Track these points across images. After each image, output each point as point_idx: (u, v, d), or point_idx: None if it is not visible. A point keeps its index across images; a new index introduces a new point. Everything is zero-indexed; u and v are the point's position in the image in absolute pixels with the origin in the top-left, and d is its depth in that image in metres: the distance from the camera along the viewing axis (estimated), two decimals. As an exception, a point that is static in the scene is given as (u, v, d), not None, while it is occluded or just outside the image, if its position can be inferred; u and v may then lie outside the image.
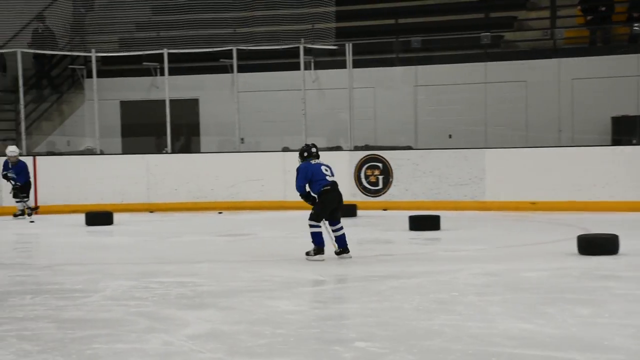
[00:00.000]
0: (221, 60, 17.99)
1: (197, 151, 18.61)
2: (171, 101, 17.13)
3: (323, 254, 9.57)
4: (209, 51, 17.61)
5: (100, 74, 17.79)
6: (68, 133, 19.52)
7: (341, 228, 9.70)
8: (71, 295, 7.79)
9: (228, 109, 17.68)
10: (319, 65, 18.08)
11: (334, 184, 9.65)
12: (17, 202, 15.18)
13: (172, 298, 7.56)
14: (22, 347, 5.79)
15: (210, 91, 18.90)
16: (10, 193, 15.30)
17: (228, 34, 19.00)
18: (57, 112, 19.86)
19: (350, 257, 9.64)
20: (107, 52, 18.78)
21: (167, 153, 17.15)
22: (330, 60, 17.95)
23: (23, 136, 17.02)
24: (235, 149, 17.39)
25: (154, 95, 18.58)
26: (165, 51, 17.16)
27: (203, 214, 15.79)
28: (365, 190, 16.18)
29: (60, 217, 15.35)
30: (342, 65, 16.96)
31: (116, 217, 14.42)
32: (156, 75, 18.58)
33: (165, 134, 17.10)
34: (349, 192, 16.14)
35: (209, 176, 16.61)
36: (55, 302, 7.39)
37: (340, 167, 16.23)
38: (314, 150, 9.71)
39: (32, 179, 15.58)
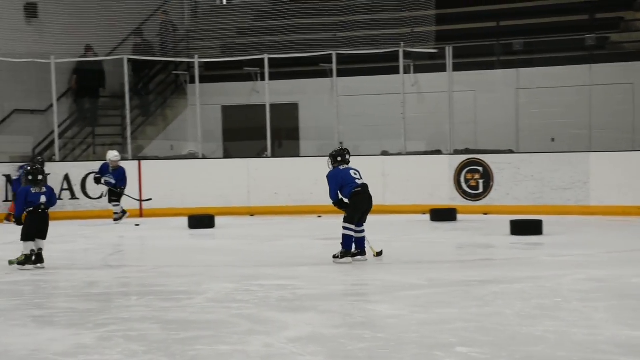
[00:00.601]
0: (321, 64, 18.06)
1: (297, 155, 18.72)
2: (271, 106, 17.29)
3: (351, 257, 9.68)
4: (309, 56, 17.71)
5: (203, 80, 18.08)
6: (171, 138, 19.90)
7: (363, 231, 9.87)
8: (175, 297, 7.93)
9: (327, 113, 17.75)
10: (419, 69, 17.98)
11: (365, 187, 9.80)
12: (114, 205, 15.41)
13: (273, 301, 7.63)
14: (129, 347, 5.93)
15: (310, 95, 19.01)
16: (104, 196, 15.65)
17: (328, 38, 19.07)
18: (161, 117, 20.28)
19: (366, 260, 9.81)
20: (210, 57, 19.08)
21: (267, 157, 17.31)
22: (430, 64, 17.83)
23: (129, 141, 17.43)
24: (334, 152, 17.40)
25: (254, 100, 18.77)
26: (266, 56, 17.33)
27: (302, 217, 15.88)
28: (465, 195, 16.02)
29: (164, 220, 15.65)
30: (442, 68, 16.83)
31: (218, 220, 14.62)
32: (257, 80, 18.79)
33: (265, 138, 17.27)
34: (449, 197, 16.01)
35: (309, 180, 16.66)
36: (160, 304, 7.54)
37: (440, 171, 16.15)
38: (347, 157, 9.86)
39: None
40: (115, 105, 19.63)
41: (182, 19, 21.41)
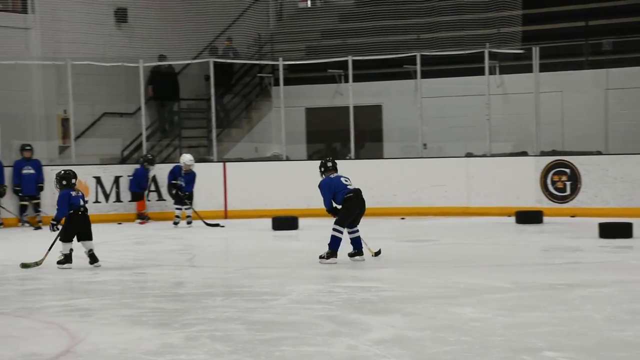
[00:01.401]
0: (405, 66, 18.00)
1: (380, 157, 18.69)
2: (355, 107, 17.29)
3: (336, 257, 10.00)
4: (393, 57, 17.66)
5: (287, 82, 18.18)
6: (256, 140, 20.08)
7: (357, 231, 10.22)
8: (259, 297, 8.00)
9: (411, 114, 17.67)
10: (504, 70, 17.76)
11: (357, 191, 10.22)
12: (177, 208, 15.37)
13: (357, 303, 7.63)
14: (215, 348, 6.00)
15: (393, 97, 18.95)
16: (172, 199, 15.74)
17: (412, 39, 18.99)
18: (245, 119, 20.48)
19: (363, 260, 10.12)
20: (294, 60, 19.19)
21: (350, 159, 17.32)
22: (516, 65, 17.59)
23: (214, 143, 17.63)
24: (418, 154, 17.36)
25: (338, 102, 18.80)
26: (350, 58, 17.34)
27: (386, 219, 15.83)
28: (551, 197, 15.76)
29: (248, 221, 15.79)
30: (528, 69, 16.60)
31: (301, 221, 14.69)
32: (341, 82, 18.81)
33: (348, 140, 17.28)
34: (535, 199, 15.78)
35: (392, 182, 16.65)
36: (245, 304, 7.61)
37: (526, 173, 15.92)
38: (329, 164, 10.33)
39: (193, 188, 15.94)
40: (201, 108, 19.90)
41: (267, 22, 21.60)
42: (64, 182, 10.24)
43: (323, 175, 10.41)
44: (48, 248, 10.21)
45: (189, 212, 15.36)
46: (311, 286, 8.55)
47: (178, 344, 6.15)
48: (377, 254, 10.46)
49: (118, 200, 16.59)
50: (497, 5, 18.32)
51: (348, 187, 10.23)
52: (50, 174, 16.06)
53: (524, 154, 16.86)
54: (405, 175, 16.69)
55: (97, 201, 16.44)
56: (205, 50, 19.69)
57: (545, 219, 14.69)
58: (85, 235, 10.15)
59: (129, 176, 16.56)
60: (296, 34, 21.09)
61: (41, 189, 15.81)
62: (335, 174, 10.35)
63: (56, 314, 7.37)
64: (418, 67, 17.23)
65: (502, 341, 6.03)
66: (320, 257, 10.13)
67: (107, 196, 16.52)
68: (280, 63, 17.95)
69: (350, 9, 21.45)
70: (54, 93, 18.26)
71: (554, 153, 16.39)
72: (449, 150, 17.93)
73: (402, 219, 15.94)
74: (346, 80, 17.85)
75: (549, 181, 15.80)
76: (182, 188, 15.29)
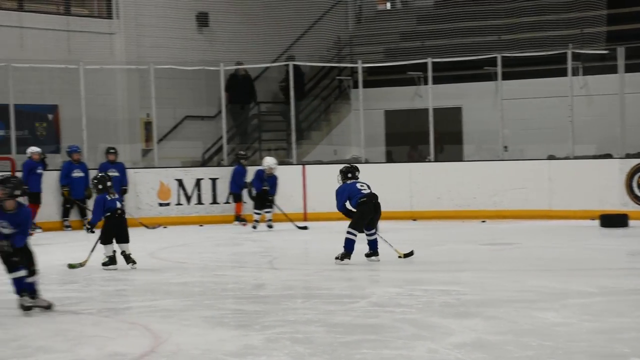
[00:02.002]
0: (485, 68, 17.82)
1: (460, 159, 18.54)
2: (434, 109, 17.18)
3: (349, 259, 10.27)
4: (473, 59, 17.50)
5: (366, 84, 18.17)
6: (335, 142, 20.11)
7: (374, 233, 10.54)
8: (339, 300, 8.00)
9: (491, 117, 17.49)
10: (588, 71, 17.44)
11: (371, 196, 10.54)
12: (256, 212, 15.21)
13: (437, 306, 7.58)
14: (295, 350, 6.02)
15: (473, 99, 18.78)
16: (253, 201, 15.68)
17: (492, 41, 18.80)
18: (325, 122, 20.53)
19: (379, 261, 10.42)
20: (373, 62, 19.17)
21: (429, 161, 17.22)
22: (600, 65, 17.26)
23: (293, 146, 17.72)
24: (498, 157, 17.17)
25: (417, 104, 18.72)
26: (429, 60, 17.24)
27: (465, 222, 15.70)
28: (637, 200, 15.41)
29: (328, 224, 15.76)
30: (612, 70, 16.28)
31: (380, 224, 14.54)
32: (420, 84, 18.72)
33: (428, 142, 17.19)
34: (620, 202, 15.45)
35: (472, 184, 16.49)
36: (325, 307, 7.62)
37: (610, 176, 15.60)
38: (349, 175, 10.71)
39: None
40: (280, 111, 20.02)
41: (346, 24, 21.64)
42: (100, 187, 10.47)
43: (341, 182, 10.76)
44: (90, 250, 10.41)
45: (269, 215, 15.35)
46: (391, 289, 8.52)
47: (258, 345, 6.19)
48: (408, 255, 10.65)
49: (199, 202, 16.78)
50: (581, 5, 18.01)
51: (362, 191, 10.55)
52: (133, 176, 16.37)
53: (608, 156, 16.53)
54: (485, 178, 16.52)
55: (178, 203, 16.66)
56: (284, 53, 19.81)
57: (631, 222, 14.38)
58: (122, 237, 10.39)
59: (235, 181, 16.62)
60: (375, 37, 21.08)
61: (125, 191, 16.08)
62: (352, 181, 10.70)
63: (139, 315, 7.49)
64: (499, 69, 17.04)
65: (587, 346, 5.92)
66: (336, 258, 10.38)
67: (188, 198, 16.73)
68: (359, 66, 17.94)
69: (430, 11, 21.34)
70: (137, 97, 18.60)
71: (639, 155, 16.03)
72: (530, 152, 17.68)
73: (482, 222, 15.78)
74: (425, 83, 17.76)
75: (634, 184, 15.45)
76: (267, 192, 15.19)
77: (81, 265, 10.45)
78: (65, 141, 17.33)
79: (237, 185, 16.48)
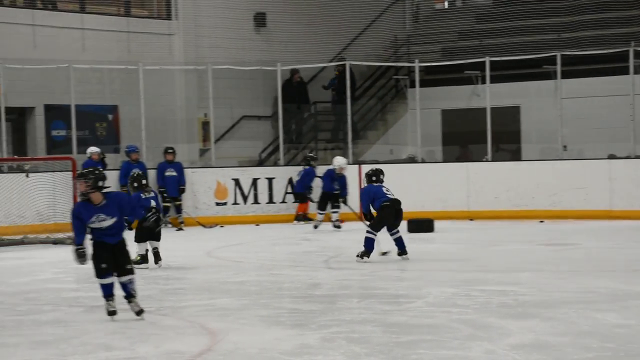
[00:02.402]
0: (544, 66, 17.62)
1: (518, 159, 18.36)
2: (492, 109, 17.05)
3: (369, 257, 10.63)
4: (532, 58, 17.32)
5: (423, 84, 18.09)
6: (391, 142, 20.06)
7: (397, 232, 10.87)
8: (395, 300, 7.99)
9: (550, 116, 17.29)
10: (651, 69, 17.15)
11: (394, 202, 10.83)
12: (320, 213, 15.11)
13: (494, 306, 7.52)
14: (351, 349, 6.02)
15: (532, 98, 18.58)
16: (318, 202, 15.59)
17: (552, 39, 18.59)
18: (381, 121, 20.50)
19: (408, 259, 10.70)
20: (430, 61, 19.08)
21: (487, 161, 17.08)
22: (662, 63, 16.97)
23: (349, 145, 17.71)
24: (557, 156, 16.96)
25: (475, 104, 18.58)
26: (487, 59, 17.10)
27: (523, 222, 15.55)
28: (700, 200, 15.10)
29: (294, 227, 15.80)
30: (676, 67, 16.00)
31: (437, 224, 14.59)
32: (477, 83, 18.58)
33: (485, 141, 17.05)
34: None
35: (530, 184, 16.32)
36: (381, 307, 7.61)
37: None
38: (374, 178, 11.04)
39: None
40: (336, 111, 20.03)
41: (403, 24, 21.57)
42: (136, 185, 10.53)
43: (366, 183, 11.15)
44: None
45: (336, 215, 15.13)
46: (447, 289, 8.47)
47: (315, 344, 6.20)
48: (385, 253, 10.90)
49: (256, 202, 16.86)
50: (643, 2, 17.74)
51: (387, 195, 10.87)
52: (191, 176, 16.52)
53: (671, 155, 16.23)
54: (544, 177, 16.33)
55: (235, 203, 16.75)
56: (340, 53, 19.82)
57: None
58: (155, 235, 10.52)
59: (297, 178, 16.68)
60: (432, 35, 20.98)
61: (183, 191, 16.23)
62: (378, 184, 11.01)
63: (197, 313, 7.56)
64: (558, 67, 16.84)
65: (648, 349, 5.83)
66: (357, 256, 10.73)
67: (245, 198, 16.81)
68: (416, 65, 17.87)
69: (488, 9, 21.17)
70: (195, 97, 18.77)
71: (702, 155, 15.72)
72: (590, 152, 17.43)
73: (541, 222, 15.61)
74: (483, 82, 17.62)
75: (697, 184, 15.15)
76: (336, 191, 15.02)
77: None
78: (125, 141, 17.55)
79: (304, 186, 16.44)
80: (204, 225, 15.90)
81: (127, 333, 6.74)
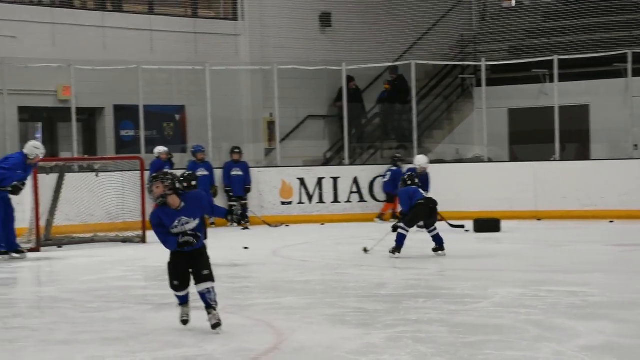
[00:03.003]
0: (614, 64, 17.33)
1: (587, 158, 18.09)
2: (560, 108, 16.83)
3: (400, 253, 11.15)
4: (602, 56, 17.05)
5: (489, 83, 17.93)
6: (457, 141, 19.93)
7: (435, 229, 11.34)
8: (462, 300, 7.93)
9: (620, 114, 17.01)
10: None
11: (428, 200, 11.42)
12: None
13: (563, 307, 7.42)
14: (417, 349, 5.99)
15: (601, 97, 18.29)
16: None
17: (622, 37, 18.28)
18: (447, 120, 20.37)
19: (445, 255, 11.18)
20: (497, 60, 18.90)
21: (555, 160, 16.86)
22: None
23: (415, 145, 17.63)
24: (627, 155, 16.68)
25: (542, 102, 18.35)
26: (555, 57, 16.89)
27: (592, 222, 15.31)
28: None
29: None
30: None
31: (503, 224, 14.45)
32: (545, 82, 18.35)
33: (553, 141, 16.83)
34: None
35: (599, 184, 16.07)
36: (447, 307, 7.56)
37: None
38: (409, 182, 11.49)
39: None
40: (402, 110, 19.97)
41: (469, 22, 21.42)
42: (185, 185, 10.49)
43: (404, 185, 11.58)
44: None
45: None
46: (515, 289, 8.38)
47: (380, 344, 6.19)
48: (366, 250, 11.63)
49: (321, 201, 16.88)
50: None
51: (422, 194, 11.44)
52: (256, 175, 16.62)
53: None
54: (614, 177, 16.07)
55: (300, 202, 16.80)
56: (406, 52, 19.75)
57: None
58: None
59: (381, 177, 16.66)
60: (499, 34, 20.80)
61: (248, 190, 16.35)
62: (414, 187, 11.51)
63: (263, 312, 7.60)
64: (629, 65, 16.56)
65: None
66: (390, 252, 11.23)
67: (310, 197, 16.85)
68: (483, 64, 17.72)
69: (557, 7, 20.90)
70: (261, 97, 18.88)
71: None
72: (661, 151, 17.12)
73: (611, 222, 15.36)
74: (551, 80, 17.41)
75: None
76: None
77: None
78: (192, 141, 17.74)
79: (393, 187, 16.19)
80: (269, 225, 15.98)
81: (194, 331, 6.81)
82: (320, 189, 16.92)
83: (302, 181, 16.91)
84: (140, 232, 13.49)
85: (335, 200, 16.93)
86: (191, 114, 18.41)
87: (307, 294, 8.60)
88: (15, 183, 11.66)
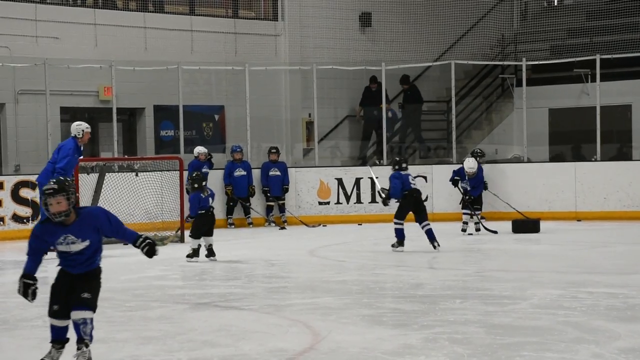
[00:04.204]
0: (658, 64, 17.14)
1: (629, 159, 17.88)
2: (602, 108, 16.64)
3: (403, 246, 11.75)
4: (645, 55, 16.87)
5: (530, 82, 17.79)
6: (496, 141, 19.81)
7: (427, 224, 11.69)
8: (499, 301, 7.88)
9: (664, 114, 16.80)
10: None
11: (413, 191, 11.78)
12: (464, 213, 14.14)
13: (602, 309, 7.35)
14: (454, 350, 5.97)
15: (644, 97, 18.10)
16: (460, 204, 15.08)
17: (667, 36, 18.08)
18: (486, 120, 20.26)
19: (438, 249, 11.57)
20: (538, 60, 18.75)
21: (596, 161, 16.69)
22: None
23: (454, 145, 17.53)
24: (671, 156, 16.47)
25: (583, 102, 18.18)
26: (597, 57, 16.71)
27: (634, 223, 15.13)
28: None
29: (488, 224, 15.56)
30: None
31: (543, 225, 14.33)
32: (587, 81, 18.17)
33: (594, 141, 16.66)
34: None
35: (642, 185, 15.89)
36: (484, 308, 7.52)
37: None
38: (404, 165, 11.89)
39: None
40: (441, 109, 19.90)
41: (510, 22, 21.28)
42: (196, 186, 11.13)
43: (394, 170, 11.90)
44: None
45: (475, 218, 14.22)
46: (553, 291, 8.32)
47: (417, 345, 6.17)
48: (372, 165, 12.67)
49: (358, 201, 16.84)
50: None
51: (411, 185, 11.80)
52: (294, 175, 16.64)
53: None
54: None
55: (338, 202, 16.77)
56: (446, 52, 19.66)
57: None
58: (209, 232, 11.10)
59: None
60: (541, 33, 20.63)
61: (286, 190, 16.37)
62: (405, 172, 11.84)
63: (300, 312, 7.61)
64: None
65: None
66: (392, 246, 11.81)
67: (347, 197, 16.82)
68: (524, 63, 17.58)
69: (599, 6, 20.67)
70: (300, 97, 18.91)
71: None
72: None
73: (653, 223, 15.18)
74: (593, 80, 17.22)
75: None
76: (467, 192, 14.18)
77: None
78: (230, 141, 17.81)
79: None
80: (307, 225, 16.00)
81: (231, 330, 6.84)
82: (358, 189, 16.89)
83: (339, 181, 16.88)
84: (178, 232, 13.57)
85: (373, 201, 16.89)
86: (230, 114, 18.48)
87: (344, 294, 8.60)
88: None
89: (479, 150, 15.51)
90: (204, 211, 11.08)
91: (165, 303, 8.26)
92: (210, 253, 11.13)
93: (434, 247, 11.66)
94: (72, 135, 12.04)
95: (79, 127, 12.02)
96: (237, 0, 19.23)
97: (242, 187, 16.11)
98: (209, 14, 18.87)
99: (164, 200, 14.19)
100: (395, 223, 11.82)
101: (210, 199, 11.22)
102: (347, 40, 19.59)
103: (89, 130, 12.19)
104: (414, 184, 11.92)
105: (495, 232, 13.96)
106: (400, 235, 11.79)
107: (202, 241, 11.12)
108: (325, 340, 6.41)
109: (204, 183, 11.20)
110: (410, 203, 11.80)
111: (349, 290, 8.91)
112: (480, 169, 14.41)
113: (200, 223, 11.07)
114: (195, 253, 11.09)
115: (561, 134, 19.17)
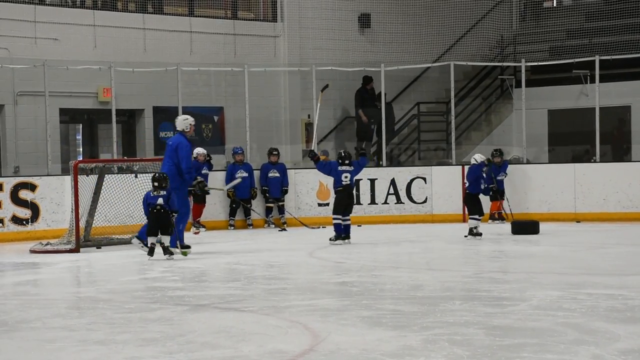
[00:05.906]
0: (657, 65, 17.17)
1: (628, 160, 17.90)
2: (601, 109, 16.66)
3: (342, 239, 12.69)
4: (644, 56, 16.89)
5: (529, 83, 17.82)
6: (495, 142, 19.81)
7: (348, 220, 12.79)
8: (499, 302, 7.87)
9: (663, 115, 16.82)
10: None
11: (346, 187, 12.75)
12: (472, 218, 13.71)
13: (602, 310, 7.35)
14: (454, 351, 5.96)
15: (643, 98, 18.13)
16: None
17: (666, 37, 18.10)
18: (485, 122, 20.27)
19: (349, 243, 12.71)
20: (537, 61, 18.77)
21: (595, 162, 16.70)
22: None
23: (453, 146, 17.55)
24: (670, 157, 16.49)
25: (582, 103, 18.21)
26: (596, 58, 16.73)
27: (633, 224, 15.14)
28: None
29: (485, 226, 15.57)
30: None
31: (542, 226, 14.34)
32: (586, 82, 18.19)
33: (593, 142, 16.67)
34: None
35: (640, 186, 15.91)
36: (484, 309, 7.52)
37: None
38: (346, 161, 12.71)
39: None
40: (440, 111, 19.91)
41: (510, 23, 21.29)
42: (156, 184, 11.42)
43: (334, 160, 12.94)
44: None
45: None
46: (553, 292, 8.31)
47: (417, 346, 6.17)
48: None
49: (358, 202, 16.78)
50: None
51: (342, 182, 12.66)
52: (294, 177, 16.64)
53: None
54: (655, 180, 15.88)
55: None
56: (446, 53, 19.68)
57: None
58: (164, 229, 11.43)
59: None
60: (540, 34, 20.65)
61: (286, 191, 16.37)
62: (343, 167, 12.63)
63: (299, 313, 7.60)
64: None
65: None
66: (330, 239, 12.76)
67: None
68: (523, 64, 17.59)
69: (598, 7, 20.71)
70: (299, 98, 18.92)
71: None
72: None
73: (652, 225, 15.19)
74: (592, 81, 17.24)
75: None
76: (490, 186, 14.52)
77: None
78: (230, 142, 17.82)
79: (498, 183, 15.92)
80: (306, 226, 15.99)
81: (231, 332, 6.83)
82: (358, 190, 16.89)
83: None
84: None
85: (372, 202, 16.90)
86: (229, 115, 18.49)
87: (344, 296, 8.60)
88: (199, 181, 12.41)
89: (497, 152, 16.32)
90: (155, 210, 11.33)
91: (164, 305, 8.25)
92: (165, 251, 11.41)
93: (345, 241, 12.77)
94: (179, 130, 12.23)
95: (186, 122, 12.28)
96: (237, 1, 19.23)
97: (244, 188, 16.10)
98: (208, 15, 18.88)
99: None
100: (334, 219, 12.78)
101: (160, 199, 11.36)
102: (346, 41, 19.61)
103: (194, 122, 12.45)
104: (347, 181, 12.70)
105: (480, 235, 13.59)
106: (337, 229, 12.73)
107: (156, 239, 11.44)
108: (324, 342, 6.40)
109: (164, 184, 11.40)
110: (342, 198, 12.74)
111: (348, 291, 8.90)
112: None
113: (151, 220, 11.40)
114: (150, 252, 11.42)
115: (560, 135, 19.18)
